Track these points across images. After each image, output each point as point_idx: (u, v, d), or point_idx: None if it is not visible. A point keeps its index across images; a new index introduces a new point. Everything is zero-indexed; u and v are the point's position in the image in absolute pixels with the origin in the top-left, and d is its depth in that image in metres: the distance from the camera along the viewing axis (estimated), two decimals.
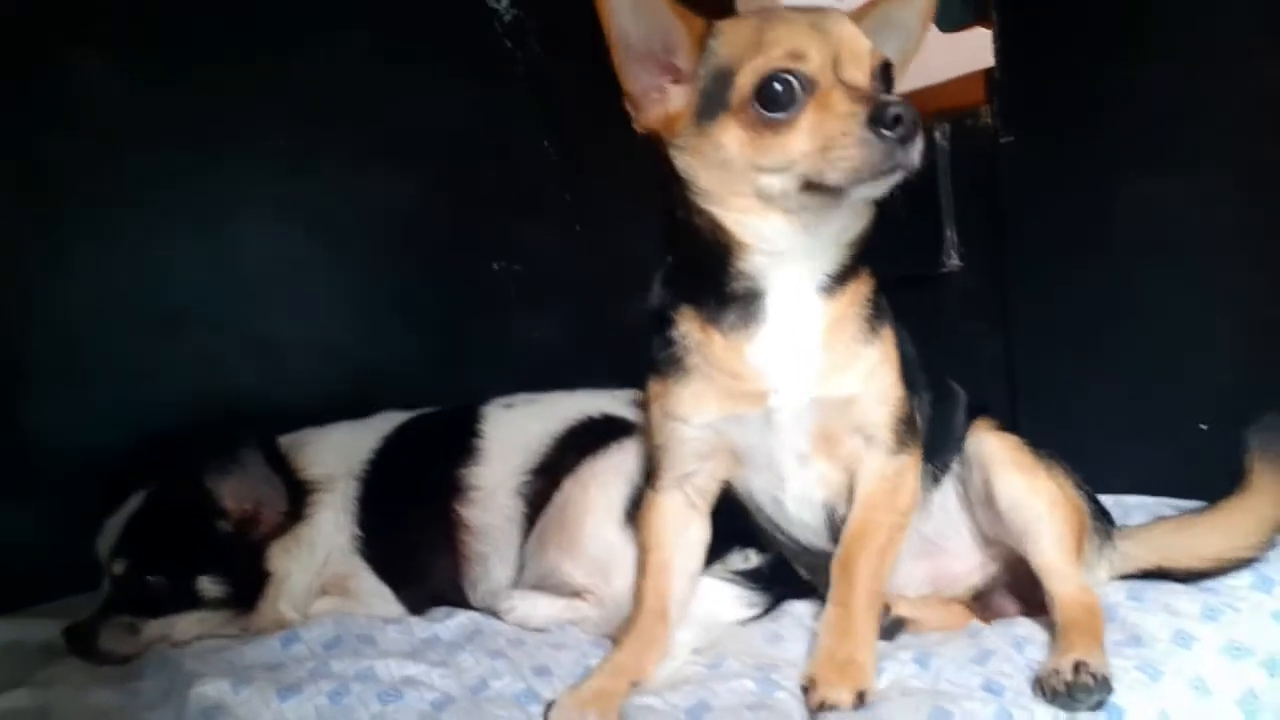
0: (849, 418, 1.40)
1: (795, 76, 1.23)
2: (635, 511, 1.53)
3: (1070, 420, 1.93)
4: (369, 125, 2.29)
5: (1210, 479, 1.55)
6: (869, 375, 1.40)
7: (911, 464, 1.44)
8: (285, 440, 1.80)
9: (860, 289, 1.40)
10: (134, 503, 1.68)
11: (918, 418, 1.47)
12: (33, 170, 1.96)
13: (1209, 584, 1.45)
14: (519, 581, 1.67)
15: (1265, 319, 1.71)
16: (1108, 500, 1.58)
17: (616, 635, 1.48)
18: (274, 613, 1.67)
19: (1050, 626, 1.37)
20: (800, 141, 1.23)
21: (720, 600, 1.56)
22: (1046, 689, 1.22)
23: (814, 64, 1.23)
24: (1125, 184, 1.87)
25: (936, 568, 1.56)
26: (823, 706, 1.24)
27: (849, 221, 1.34)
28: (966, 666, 1.33)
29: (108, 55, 2.01)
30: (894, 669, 1.35)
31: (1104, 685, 1.20)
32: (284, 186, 2.22)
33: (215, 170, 2.11)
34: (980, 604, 1.57)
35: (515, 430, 1.78)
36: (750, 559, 1.61)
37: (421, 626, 1.60)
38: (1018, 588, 1.53)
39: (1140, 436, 1.85)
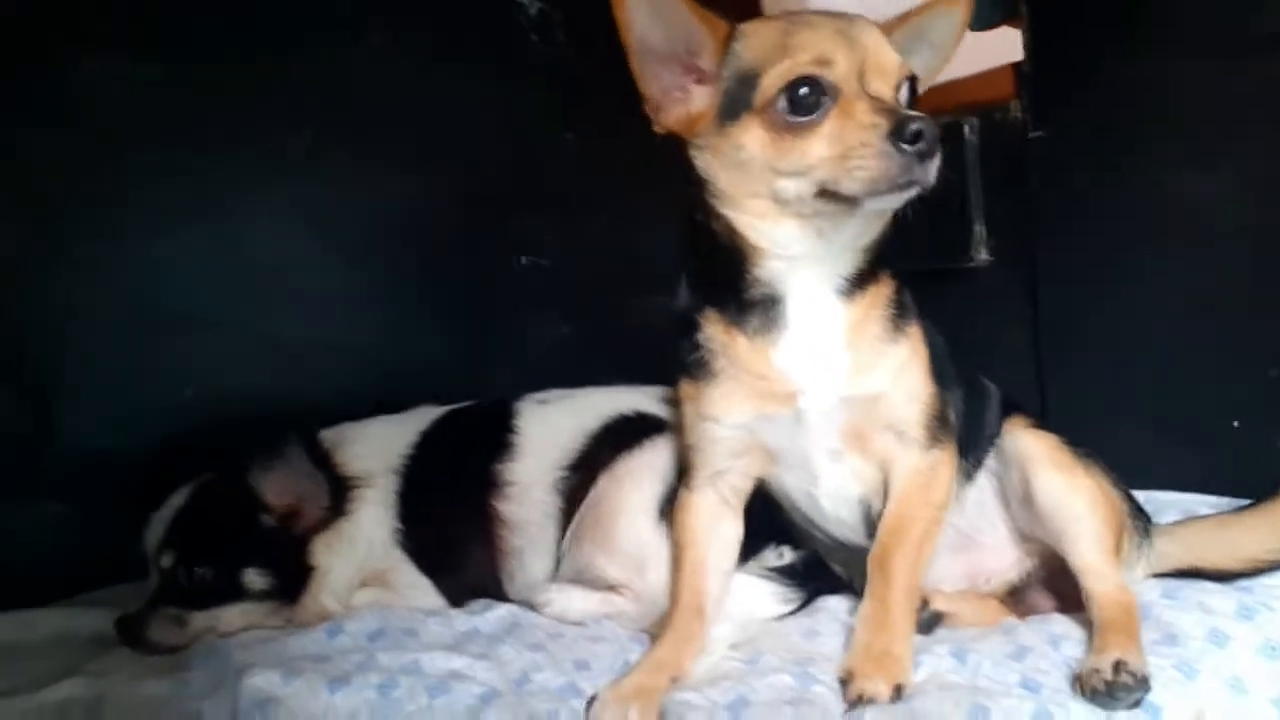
0: (879, 415, 1.41)
1: (821, 82, 1.24)
2: (669, 508, 1.55)
3: (1100, 416, 1.92)
4: (388, 121, 2.28)
5: (1243, 476, 1.55)
6: (897, 373, 1.41)
7: (946, 459, 1.45)
8: (327, 435, 1.81)
9: (882, 290, 1.41)
10: (179, 497, 1.70)
11: (950, 413, 1.47)
12: (33, 170, 1.94)
13: (1243, 583, 1.46)
14: (557, 576, 1.69)
15: None
16: (1140, 496, 1.58)
17: (654, 631, 1.50)
18: (317, 605, 1.68)
19: (1085, 624, 1.38)
20: (820, 147, 1.23)
21: (756, 596, 1.58)
22: (1086, 688, 1.23)
23: (840, 71, 1.24)
24: (1154, 179, 1.86)
25: (972, 563, 1.57)
26: (860, 699, 1.25)
27: (863, 229, 1.35)
28: (1003, 663, 1.34)
29: (108, 55, 1.99)
30: (931, 663, 1.35)
31: (1143, 684, 1.21)
32: (299, 184, 2.21)
33: (218, 169, 2.10)
34: (1015, 599, 1.58)
35: (550, 426, 1.79)
36: (784, 555, 1.63)
37: (461, 619, 1.61)
38: (1053, 584, 1.54)
39: (1171, 432, 1.85)
